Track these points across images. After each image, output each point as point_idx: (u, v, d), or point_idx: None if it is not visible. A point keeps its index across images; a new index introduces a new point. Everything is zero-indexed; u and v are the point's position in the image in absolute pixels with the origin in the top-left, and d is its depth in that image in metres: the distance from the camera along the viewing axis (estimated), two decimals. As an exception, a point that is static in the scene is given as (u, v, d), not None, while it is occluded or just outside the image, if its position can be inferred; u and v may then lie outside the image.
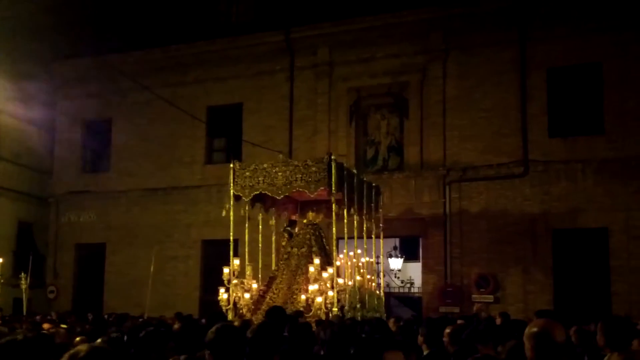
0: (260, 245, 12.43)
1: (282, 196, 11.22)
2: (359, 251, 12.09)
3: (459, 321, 9.86)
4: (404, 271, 19.45)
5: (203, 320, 9.08)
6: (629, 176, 15.13)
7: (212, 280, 18.98)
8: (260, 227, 12.27)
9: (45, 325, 11.66)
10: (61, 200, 21.20)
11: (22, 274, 15.34)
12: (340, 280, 10.89)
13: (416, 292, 18.77)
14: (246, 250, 11.85)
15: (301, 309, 10.27)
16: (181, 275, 19.27)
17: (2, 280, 14.96)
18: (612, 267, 15.04)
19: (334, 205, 10.70)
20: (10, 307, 18.86)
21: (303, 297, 10.80)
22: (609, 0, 15.59)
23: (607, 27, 15.58)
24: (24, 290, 15.22)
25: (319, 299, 10.27)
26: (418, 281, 18.08)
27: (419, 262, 17.43)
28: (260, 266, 12.39)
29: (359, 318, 10.65)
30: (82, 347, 2.70)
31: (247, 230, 11.82)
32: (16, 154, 22.42)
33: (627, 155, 15.19)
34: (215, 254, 19.09)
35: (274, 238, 12.99)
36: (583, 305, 14.70)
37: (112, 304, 18.79)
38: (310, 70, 18.53)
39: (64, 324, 12.83)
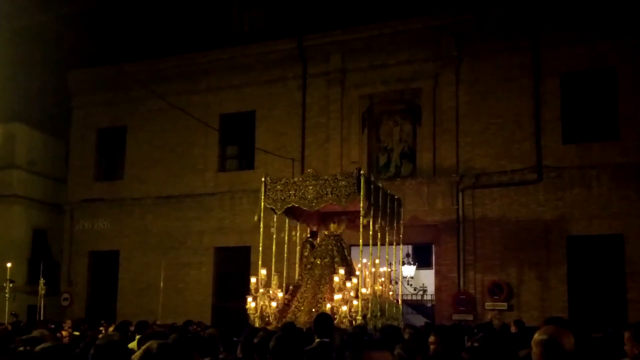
0: (286, 255, 12.77)
1: (314, 209, 11.69)
2: (377, 261, 12.29)
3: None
4: (416, 278, 19.38)
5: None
6: (644, 182, 14.98)
7: (224, 287, 19.09)
8: (285, 237, 12.69)
9: (64, 333, 11.78)
10: (75, 208, 21.35)
11: (41, 280, 15.47)
12: (364, 290, 11.21)
13: (429, 300, 18.68)
14: (273, 260, 12.12)
15: None
16: (194, 282, 19.31)
17: (10, 285, 15.08)
18: (628, 274, 14.87)
19: (362, 219, 11.04)
20: (25, 314, 19.01)
21: (328, 305, 11.08)
22: (621, 5, 15.50)
23: (620, 32, 15.48)
24: (41, 297, 15.33)
25: (344, 308, 10.61)
26: (431, 288, 17.99)
27: (432, 269, 17.34)
28: (285, 275, 12.66)
29: (379, 326, 10.79)
30: (154, 344, 2.86)
31: (274, 241, 12.14)
32: (31, 161, 22.67)
33: (643, 161, 15.05)
34: (227, 261, 19.20)
35: (298, 248, 13.34)
36: (598, 312, 14.55)
37: (126, 311, 18.85)
38: (323, 78, 18.56)
39: (77, 331, 12.94)
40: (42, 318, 15.65)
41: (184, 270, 19.29)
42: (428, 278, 18.38)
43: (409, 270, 18.88)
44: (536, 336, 3.55)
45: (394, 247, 13.08)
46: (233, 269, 18.87)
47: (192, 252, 19.47)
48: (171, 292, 18.47)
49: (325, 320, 6.79)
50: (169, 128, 20.13)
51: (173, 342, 3.26)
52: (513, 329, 11.24)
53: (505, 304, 15.69)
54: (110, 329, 12.63)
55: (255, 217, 11.85)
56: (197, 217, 19.57)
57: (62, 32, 19.58)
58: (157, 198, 20.20)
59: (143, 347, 2.93)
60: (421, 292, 19.22)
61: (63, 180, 22.20)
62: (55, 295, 20.14)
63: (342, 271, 11.15)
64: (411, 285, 19.17)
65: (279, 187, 11.67)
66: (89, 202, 21.10)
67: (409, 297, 19.16)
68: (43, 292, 15.53)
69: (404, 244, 16.77)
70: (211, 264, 19.35)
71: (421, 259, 19.06)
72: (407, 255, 18.88)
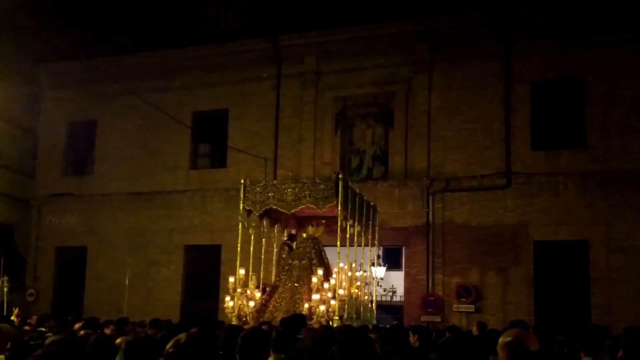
0: (262, 256, 13.12)
1: (291, 211, 11.91)
2: (354, 264, 12.49)
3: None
4: (386, 280, 19.52)
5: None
6: (610, 190, 15.35)
7: (194, 285, 18.99)
8: (263, 239, 13.02)
9: (27, 328, 11.60)
10: (43, 203, 21.03)
11: (5, 276, 15.24)
12: (341, 292, 11.45)
13: (398, 301, 18.84)
14: (251, 260, 12.34)
15: None
16: (163, 280, 19.17)
17: None
18: (592, 279, 15.23)
19: (339, 222, 11.25)
20: (-12, 310, 18.65)
21: (306, 306, 11.32)
22: (591, 16, 15.87)
23: (589, 42, 15.86)
24: (5, 293, 15.10)
25: (322, 308, 10.86)
26: (400, 290, 18.17)
27: (402, 271, 17.51)
28: (262, 275, 12.87)
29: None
30: (182, 336, 2.99)
31: (252, 242, 12.40)
32: (-2, 155, 22.21)
33: (609, 169, 15.43)
34: (197, 260, 19.09)
35: (275, 250, 13.56)
36: (563, 316, 14.86)
37: (92, 308, 18.60)
38: (297, 79, 18.60)
39: (42, 327, 12.76)
40: (5, 314, 15.39)
41: (153, 268, 19.15)
42: (397, 279, 18.55)
43: (379, 271, 19.00)
44: (501, 340, 3.62)
45: (369, 249, 13.28)
46: (203, 267, 18.80)
47: (162, 249, 19.33)
48: (140, 290, 18.33)
49: (298, 319, 6.97)
50: (141, 124, 19.94)
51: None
52: (474, 330, 11.43)
53: (473, 306, 15.94)
54: (77, 325, 12.49)
55: (239, 225, 12.00)
56: (167, 214, 19.44)
57: (33, 24, 19.26)
58: (127, 194, 20.00)
59: (174, 339, 3.01)
60: (391, 294, 19.37)
61: (31, 174, 21.83)
62: (21, 291, 19.82)
63: (320, 272, 11.38)
64: (381, 286, 19.31)
65: (258, 189, 11.90)
66: (57, 197, 20.80)
67: (379, 298, 19.31)
68: (7, 288, 15.31)
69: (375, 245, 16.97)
70: (181, 262, 19.23)
71: (391, 261, 19.22)
72: (378, 256, 19.00)
